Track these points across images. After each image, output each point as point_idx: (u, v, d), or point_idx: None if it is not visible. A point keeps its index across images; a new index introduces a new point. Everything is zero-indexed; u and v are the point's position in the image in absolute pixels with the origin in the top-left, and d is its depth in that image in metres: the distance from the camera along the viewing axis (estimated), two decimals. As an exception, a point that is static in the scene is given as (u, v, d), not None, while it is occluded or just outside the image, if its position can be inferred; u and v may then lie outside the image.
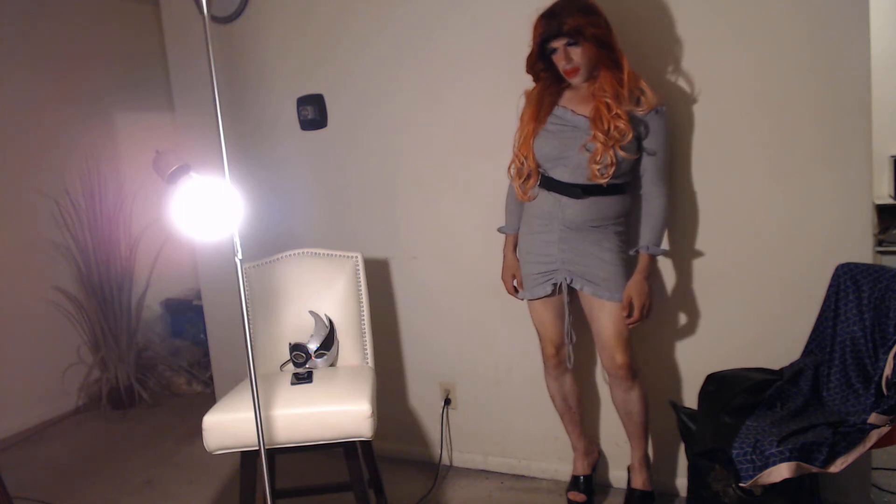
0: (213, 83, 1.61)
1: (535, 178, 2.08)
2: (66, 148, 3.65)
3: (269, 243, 2.55)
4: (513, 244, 2.26)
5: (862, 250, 2.01)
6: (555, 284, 2.11)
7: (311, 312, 2.24)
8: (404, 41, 2.52)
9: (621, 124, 1.91)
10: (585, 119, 1.98)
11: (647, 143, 1.99)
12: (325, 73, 2.68)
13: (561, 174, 2.02)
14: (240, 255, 1.67)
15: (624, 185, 2.05)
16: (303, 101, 2.72)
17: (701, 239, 2.21)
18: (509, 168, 2.14)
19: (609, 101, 1.92)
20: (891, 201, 4.00)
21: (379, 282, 2.70)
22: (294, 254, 2.36)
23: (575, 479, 2.35)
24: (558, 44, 1.93)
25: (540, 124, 2.04)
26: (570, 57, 1.93)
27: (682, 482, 2.29)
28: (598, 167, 1.94)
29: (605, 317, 2.06)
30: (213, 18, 2.79)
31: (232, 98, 2.85)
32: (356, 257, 2.36)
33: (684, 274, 2.25)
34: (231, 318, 2.86)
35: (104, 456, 3.09)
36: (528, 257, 2.16)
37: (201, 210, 1.66)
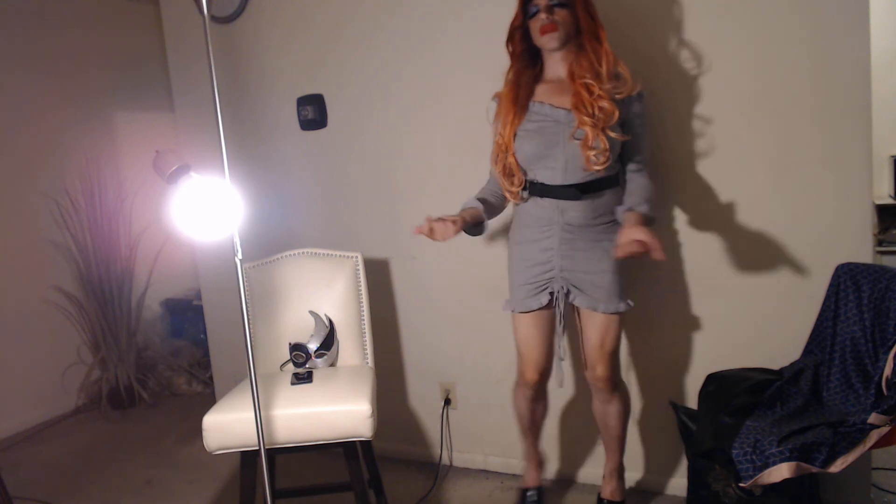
0: (213, 83, 1.61)
1: (519, 176, 1.97)
2: (66, 148, 3.65)
3: (269, 243, 2.55)
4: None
5: (862, 250, 2.01)
6: (551, 293, 1.99)
7: (311, 312, 2.24)
8: (404, 41, 2.52)
9: (605, 104, 1.82)
10: (566, 111, 1.88)
11: (628, 127, 1.91)
12: (325, 73, 2.68)
13: (550, 176, 1.92)
14: (240, 255, 1.67)
15: (615, 176, 1.97)
16: (303, 101, 2.72)
17: (701, 239, 2.21)
18: (494, 158, 2.02)
19: (589, 81, 1.84)
20: (891, 201, 4.01)
21: (379, 282, 2.70)
22: (294, 254, 2.37)
23: (525, 492, 2.26)
24: (542, 1, 1.86)
25: (518, 118, 1.92)
26: (552, 11, 1.85)
27: (681, 482, 2.29)
28: (592, 153, 1.83)
29: (593, 327, 1.99)
30: (213, 18, 2.79)
31: (232, 98, 2.85)
32: (356, 257, 2.36)
33: (684, 274, 2.25)
34: (231, 318, 2.86)
35: (104, 456, 3.09)
36: (522, 265, 2.02)
37: (201, 210, 1.66)
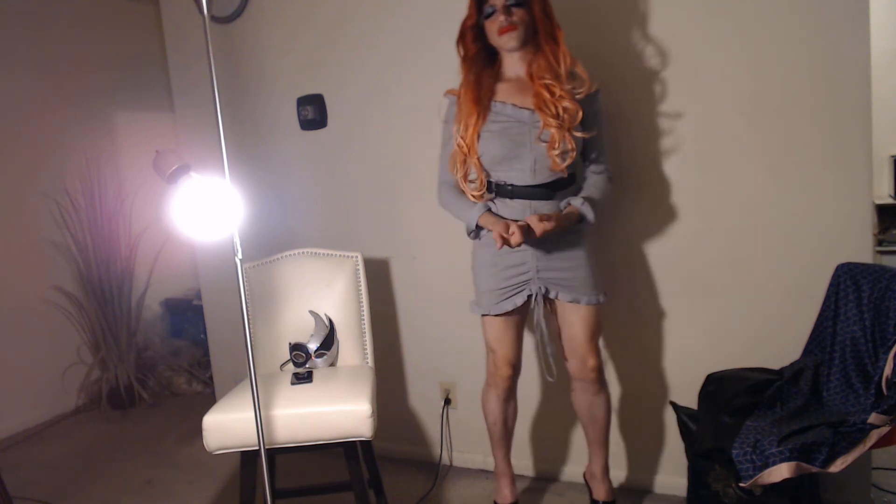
0: (213, 83, 1.61)
1: (481, 178, 1.93)
2: (66, 148, 3.65)
3: (269, 243, 2.55)
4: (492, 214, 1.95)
5: (862, 250, 2.01)
6: (529, 295, 1.97)
7: (311, 312, 2.24)
8: (404, 41, 2.52)
9: (568, 104, 1.82)
10: (530, 112, 1.86)
11: (587, 125, 1.89)
12: (325, 73, 2.68)
13: (519, 177, 1.90)
14: (240, 255, 1.67)
15: (575, 172, 1.98)
16: (303, 101, 2.72)
17: (701, 239, 2.21)
18: (452, 160, 1.95)
19: (549, 82, 1.82)
20: (891, 201, 4.01)
21: (379, 282, 2.70)
22: (294, 254, 2.37)
23: None
24: (498, 1, 1.84)
25: (482, 119, 1.88)
26: (511, 12, 1.82)
27: (681, 482, 2.28)
28: (557, 153, 1.83)
29: (579, 320, 1.99)
30: (213, 18, 2.79)
31: (232, 98, 2.85)
32: (356, 257, 2.36)
33: (684, 274, 2.25)
34: (231, 318, 2.87)
35: (104, 456, 3.09)
36: (492, 269, 1.99)
37: (201, 210, 1.66)
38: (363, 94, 2.63)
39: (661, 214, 2.25)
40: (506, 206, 1.95)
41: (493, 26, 1.87)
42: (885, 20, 3.81)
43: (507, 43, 1.87)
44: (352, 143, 2.69)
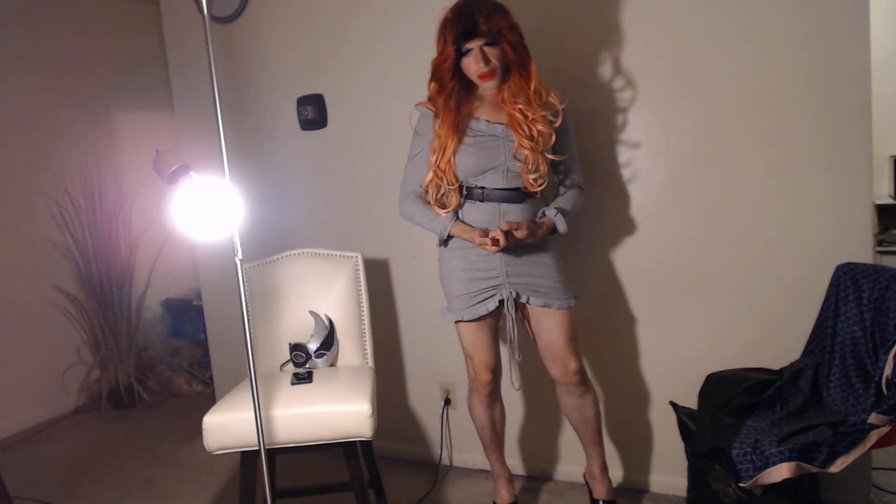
0: (213, 83, 1.61)
1: (456, 195, 1.95)
2: (66, 148, 3.65)
3: (269, 243, 2.55)
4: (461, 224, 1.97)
5: (862, 250, 2.01)
6: (501, 300, 1.99)
7: (311, 312, 2.24)
8: (405, 41, 2.52)
9: (542, 128, 1.86)
10: (503, 126, 1.91)
11: (558, 144, 1.93)
12: (325, 73, 2.68)
13: (492, 181, 1.93)
14: (240, 255, 1.67)
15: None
16: (303, 101, 2.72)
17: (701, 239, 2.21)
18: (426, 188, 1.98)
19: (522, 107, 1.86)
20: (891, 201, 4.01)
21: (379, 282, 2.70)
22: (294, 254, 2.37)
23: None
24: (474, 44, 1.83)
25: (458, 141, 1.91)
26: (488, 58, 1.83)
27: (681, 482, 2.29)
28: (532, 176, 1.88)
29: (555, 325, 1.99)
30: (213, 18, 2.79)
31: (232, 98, 2.85)
32: (356, 257, 2.36)
33: (684, 273, 2.25)
34: (231, 318, 2.86)
35: (104, 456, 3.09)
36: (462, 274, 2.00)
37: (201, 210, 1.66)
38: (363, 94, 2.63)
39: (662, 214, 2.25)
40: (475, 209, 1.96)
41: (471, 67, 1.88)
42: (885, 20, 3.81)
43: (485, 85, 1.90)
44: (352, 143, 2.69)
